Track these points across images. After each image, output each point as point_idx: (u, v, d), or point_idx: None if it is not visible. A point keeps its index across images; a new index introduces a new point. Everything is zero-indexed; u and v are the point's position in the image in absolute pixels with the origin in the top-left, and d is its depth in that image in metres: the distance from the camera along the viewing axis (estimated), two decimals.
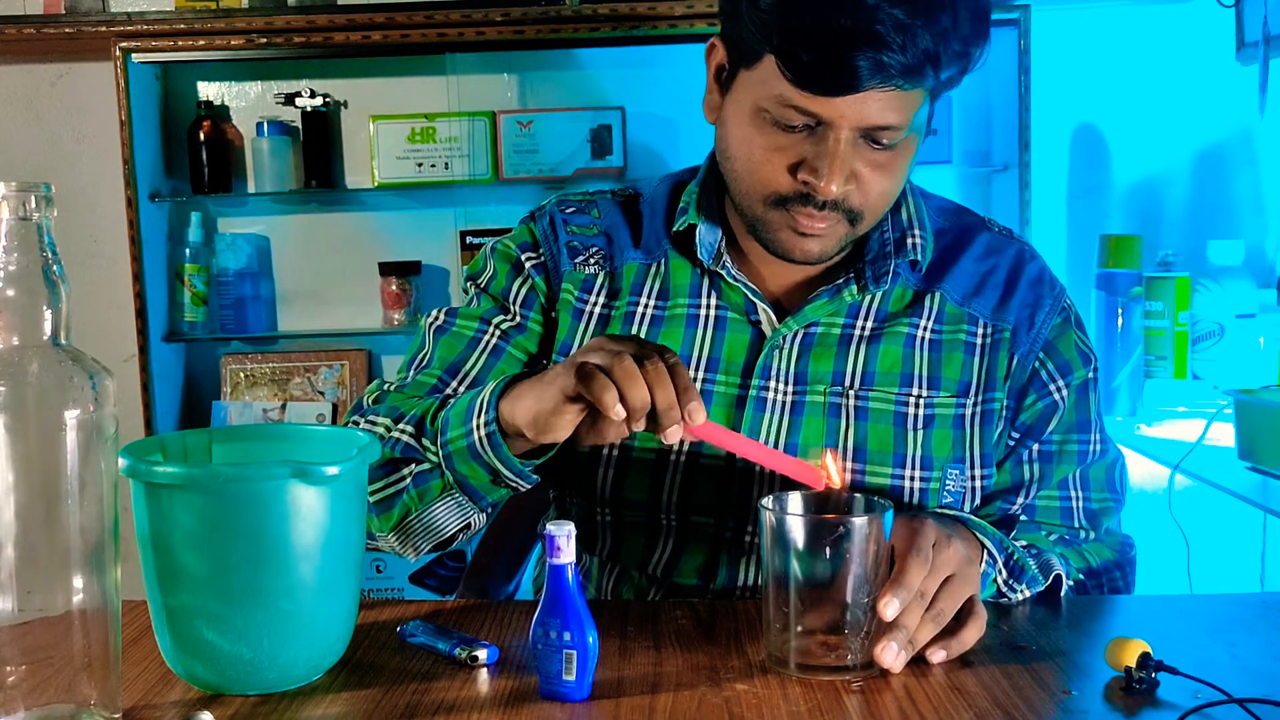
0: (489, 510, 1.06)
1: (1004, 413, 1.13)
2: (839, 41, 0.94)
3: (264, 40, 2.43)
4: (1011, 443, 1.15)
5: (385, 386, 1.16)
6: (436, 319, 1.19)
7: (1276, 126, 2.36)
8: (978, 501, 1.14)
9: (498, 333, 1.17)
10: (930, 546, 0.90)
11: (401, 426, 1.05)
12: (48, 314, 0.76)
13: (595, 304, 1.17)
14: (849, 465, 1.10)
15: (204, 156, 2.59)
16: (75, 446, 0.75)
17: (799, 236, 1.06)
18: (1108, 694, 0.84)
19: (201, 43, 2.44)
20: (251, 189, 2.64)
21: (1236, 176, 2.54)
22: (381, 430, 1.07)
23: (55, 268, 0.76)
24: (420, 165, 2.57)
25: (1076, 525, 1.16)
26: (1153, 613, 1.05)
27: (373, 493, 1.04)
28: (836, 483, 0.90)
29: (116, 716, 0.79)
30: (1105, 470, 1.17)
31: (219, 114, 2.65)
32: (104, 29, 2.43)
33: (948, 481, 1.11)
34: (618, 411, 0.87)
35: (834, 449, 1.09)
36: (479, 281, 1.21)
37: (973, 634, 0.91)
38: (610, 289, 1.17)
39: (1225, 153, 2.55)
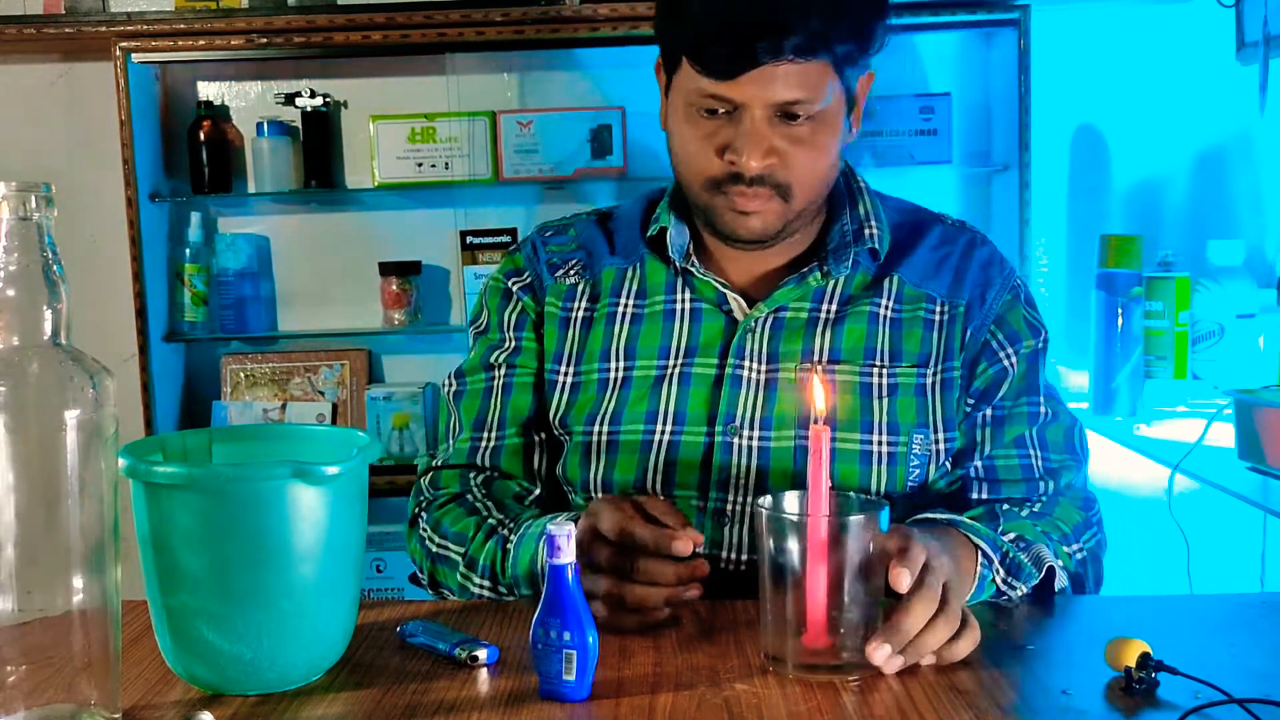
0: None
1: (960, 381, 1.20)
2: (734, 29, 1.06)
3: (264, 40, 2.43)
4: (968, 408, 1.21)
5: (433, 464, 1.29)
6: (451, 385, 1.31)
7: (1276, 126, 2.35)
8: (944, 463, 1.19)
9: (502, 369, 1.28)
10: (925, 554, 0.90)
11: (478, 581, 1.16)
12: (48, 314, 0.76)
13: (579, 309, 1.26)
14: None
15: (204, 156, 2.59)
16: (75, 446, 0.76)
17: (739, 215, 1.15)
18: (1108, 694, 0.84)
19: (201, 43, 2.43)
20: (251, 189, 2.64)
21: (1236, 176, 2.54)
22: (459, 566, 1.18)
23: (55, 268, 0.76)
24: (420, 165, 2.57)
25: (1036, 478, 1.20)
26: (1153, 613, 1.05)
27: (445, 576, 1.20)
28: (819, 403, 0.91)
29: (116, 716, 0.79)
30: (1063, 433, 1.22)
31: (219, 114, 2.65)
32: (104, 29, 2.43)
33: (914, 445, 1.17)
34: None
35: (821, 368, 1.18)
36: (477, 326, 1.32)
37: (966, 645, 0.91)
38: (591, 294, 1.27)
39: (1225, 153, 2.54)
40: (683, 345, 1.22)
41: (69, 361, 0.76)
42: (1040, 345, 1.23)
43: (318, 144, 2.61)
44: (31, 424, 0.75)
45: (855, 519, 0.87)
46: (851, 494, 0.94)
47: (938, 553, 0.92)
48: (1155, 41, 2.53)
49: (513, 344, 1.28)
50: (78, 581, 0.77)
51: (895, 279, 1.22)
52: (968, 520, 1.06)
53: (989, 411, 1.21)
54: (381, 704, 0.83)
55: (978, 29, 2.49)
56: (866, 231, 1.21)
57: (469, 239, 2.59)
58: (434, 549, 1.21)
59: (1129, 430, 2.06)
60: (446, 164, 2.56)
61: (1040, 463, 1.20)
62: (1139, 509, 1.94)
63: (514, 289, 1.30)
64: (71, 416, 0.75)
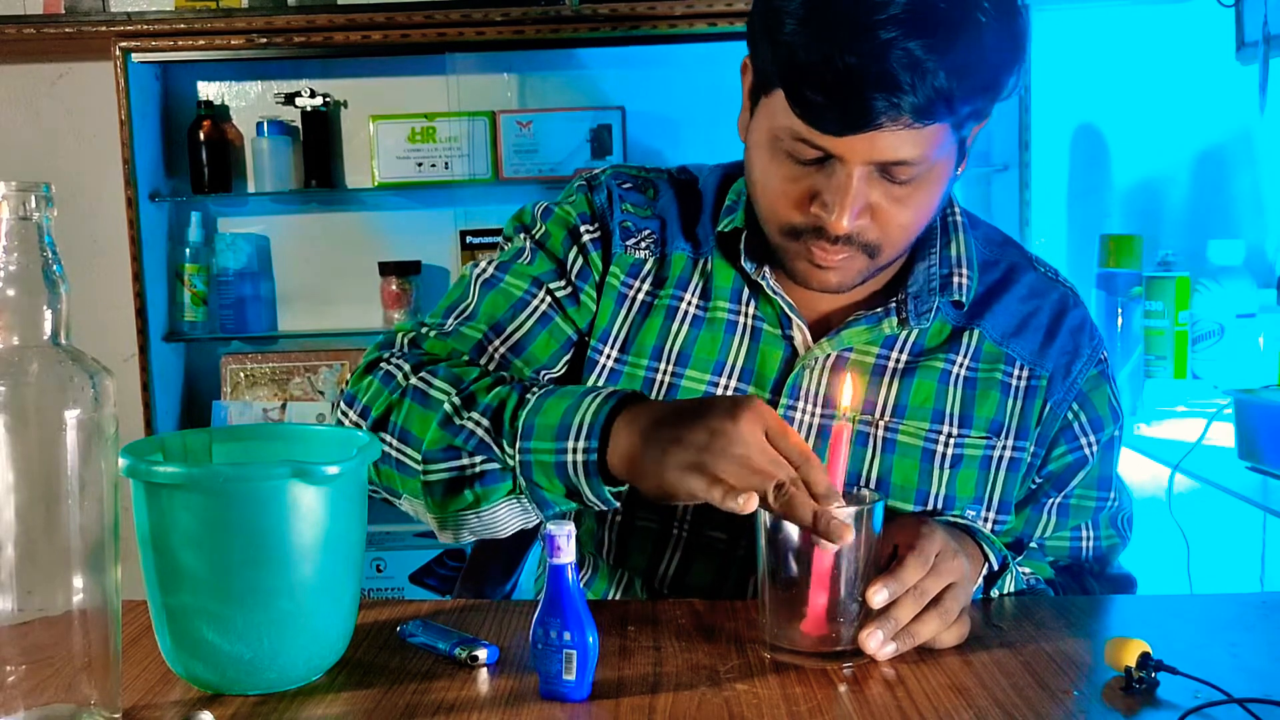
0: (554, 516, 1.02)
1: (1031, 461, 1.13)
2: (848, 81, 0.91)
3: (264, 40, 2.43)
4: (1033, 486, 1.15)
5: (422, 329, 1.11)
6: (485, 271, 1.14)
7: (1276, 126, 2.35)
8: None
9: (549, 299, 1.13)
10: (935, 554, 0.91)
11: (474, 416, 0.98)
12: (48, 314, 0.76)
13: (640, 289, 1.14)
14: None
15: (204, 156, 2.59)
16: (75, 446, 0.75)
17: (815, 268, 1.04)
18: (1108, 694, 0.84)
19: (201, 43, 2.44)
20: (251, 189, 2.65)
21: (1236, 176, 2.54)
22: (445, 401, 1.00)
23: (55, 268, 0.76)
24: (420, 165, 2.57)
25: (1082, 559, 1.17)
26: (1153, 613, 1.05)
27: (433, 471, 0.99)
28: (846, 400, 0.90)
29: (116, 716, 0.79)
30: (1113, 513, 1.18)
31: (219, 114, 2.65)
32: (104, 29, 2.43)
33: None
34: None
35: (856, 373, 1.07)
36: (534, 233, 1.16)
37: (952, 636, 0.91)
38: (657, 276, 1.14)
39: (1225, 153, 2.54)
40: (738, 366, 1.11)
41: (69, 361, 0.76)
42: (1118, 432, 1.16)
43: (318, 144, 2.61)
44: (31, 424, 0.75)
45: (849, 510, 0.88)
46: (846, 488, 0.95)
47: (952, 554, 0.92)
48: (1155, 41, 2.53)
49: (571, 289, 1.13)
50: (78, 581, 0.77)
51: (975, 334, 1.11)
52: (986, 532, 1.03)
53: (1058, 500, 1.15)
54: (381, 704, 0.83)
55: None
56: (955, 280, 1.10)
57: (469, 239, 2.59)
58: (409, 383, 1.02)
59: (1129, 430, 2.06)
60: (446, 164, 2.56)
61: (1090, 544, 1.17)
62: (1139, 509, 1.94)
63: (584, 238, 1.14)
64: (71, 416, 0.75)
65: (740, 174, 1.17)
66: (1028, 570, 1.13)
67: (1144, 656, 0.83)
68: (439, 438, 0.99)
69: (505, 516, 1.00)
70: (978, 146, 2.61)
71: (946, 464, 1.09)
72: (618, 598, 1.17)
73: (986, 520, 1.11)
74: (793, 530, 0.88)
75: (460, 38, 2.43)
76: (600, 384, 1.12)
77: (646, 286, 1.14)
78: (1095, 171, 2.61)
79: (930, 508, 1.09)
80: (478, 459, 0.98)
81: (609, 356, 1.13)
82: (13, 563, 0.75)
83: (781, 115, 0.98)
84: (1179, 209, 2.58)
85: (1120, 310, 2.17)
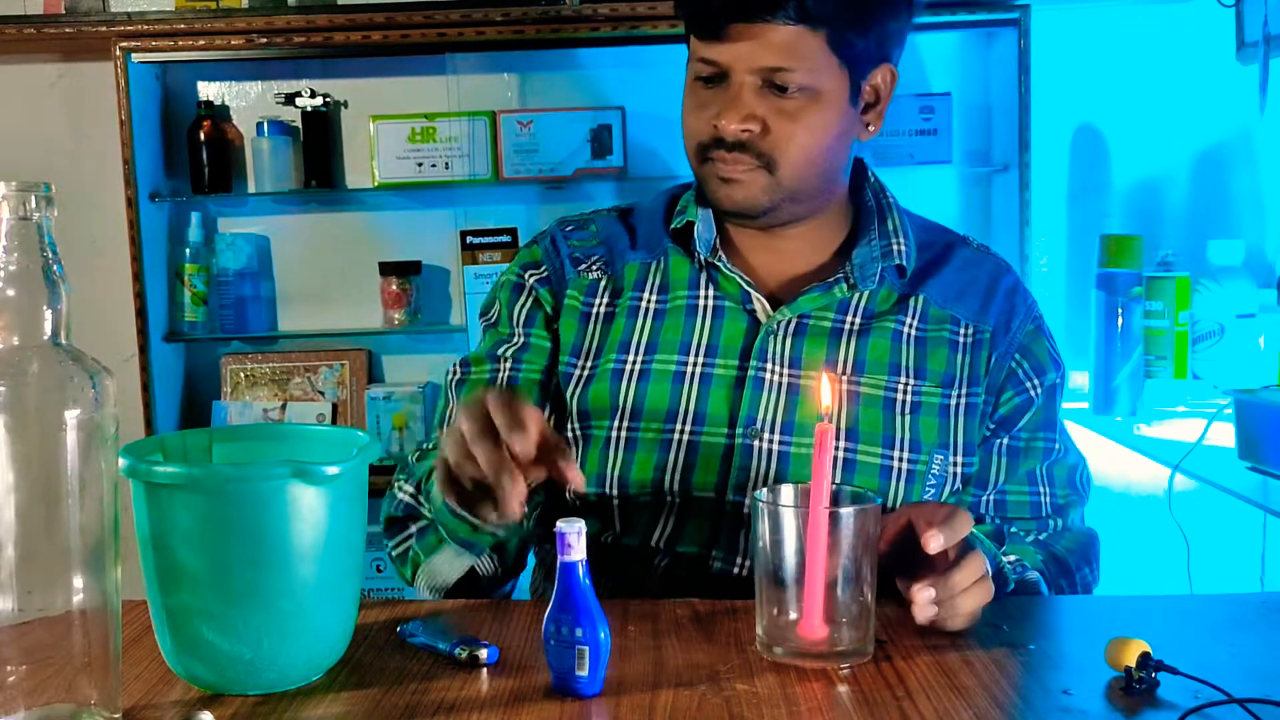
0: (493, 555, 1.14)
1: (984, 407, 1.21)
2: None
3: (264, 40, 2.43)
4: (987, 433, 1.22)
5: (424, 446, 1.24)
6: (455, 374, 1.27)
7: (1276, 126, 2.35)
8: (957, 487, 1.20)
9: (508, 363, 1.24)
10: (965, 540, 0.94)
11: (404, 485, 1.17)
12: (48, 314, 0.76)
13: (600, 305, 1.25)
14: (843, 445, 1.17)
15: (204, 156, 2.59)
16: (75, 446, 0.75)
17: (723, 183, 1.16)
18: (1108, 694, 0.84)
19: (201, 43, 2.43)
20: (251, 189, 2.64)
21: (1236, 176, 2.54)
22: (399, 493, 1.18)
23: (55, 268, 0.76)
24: (420, 165, 2.57)
25: (1045, 515, 1.22)
26: (1153, 613, 1.05)
27: (391, 548, 1.17)
28: (826, 400, 0.92)
29: (116, 716, 0.79)
30: (1068, 470, 1.24)
31: (219, 114, 2.65)
32: (104, 29, 2.43)
33: (933, 465, 1.18)
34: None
35: (832, 372, 1.16)
36: (487, 319, 1.30)
37: (963, 577, 0.92)
38: (613, 290, 1.25)
39: (1225, 153, 2.54)
40: (703, 343, 1.20)
41: (69, 361, 0.76)
42: (1059, 380, 1.25)
43: (318, 144, 2.61)
44: (31, 424, 0.75)
45: (847, 511, 0.88)
46: (844, 487, 0.95)
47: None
48: (1155, 41, 2.53)
49: (521, 340, 1.25)
50: (78, 581, 0.77)
51: (920, 299, 1.22)
52: (976, 532, 1.05)
53: (1006, 441, 1.22)
54: (381, 704, 0.83)
55: (978, 29, 2.49)
56: (895, 247, 1.21)
57: (469, 239, 2.58)
58: (400, 497, 1.19)
59: (1129, 430, 2.07)
60: (446, 164, 2.56)
61: (1048, 499, 1.23)
62: (1139, 509, 1.94)
63: (529, 281, 1.27)
64: (71, 416, 0.75)
65: (685, 192, 1.29)
66: (1013, 557, 1.15)
67: (1144, 656, 0.83)
68: (389, 514, 1.18)
69: (443, 565, 1.12)
70: (978, 146, 2.62)
71: (907, 410, 1.18)
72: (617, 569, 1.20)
73: (955, 464, 1.19)
74: (790, 530, 0.89)
75: (460, 38, 2.43)
76: (576, 391, 1.22)
77: (605, 300, 1.25)
78: (1095, 171, 2.61)
79: (898, 452, 1.17)
80: (420, 522, 1.14)
81: (582, 368, 1.23)
82: (13, 563, 0.75)
83: (691, 49, 1.16)
84: (1179, 209, 2.58)
85: (1120, 310, 2.17)
